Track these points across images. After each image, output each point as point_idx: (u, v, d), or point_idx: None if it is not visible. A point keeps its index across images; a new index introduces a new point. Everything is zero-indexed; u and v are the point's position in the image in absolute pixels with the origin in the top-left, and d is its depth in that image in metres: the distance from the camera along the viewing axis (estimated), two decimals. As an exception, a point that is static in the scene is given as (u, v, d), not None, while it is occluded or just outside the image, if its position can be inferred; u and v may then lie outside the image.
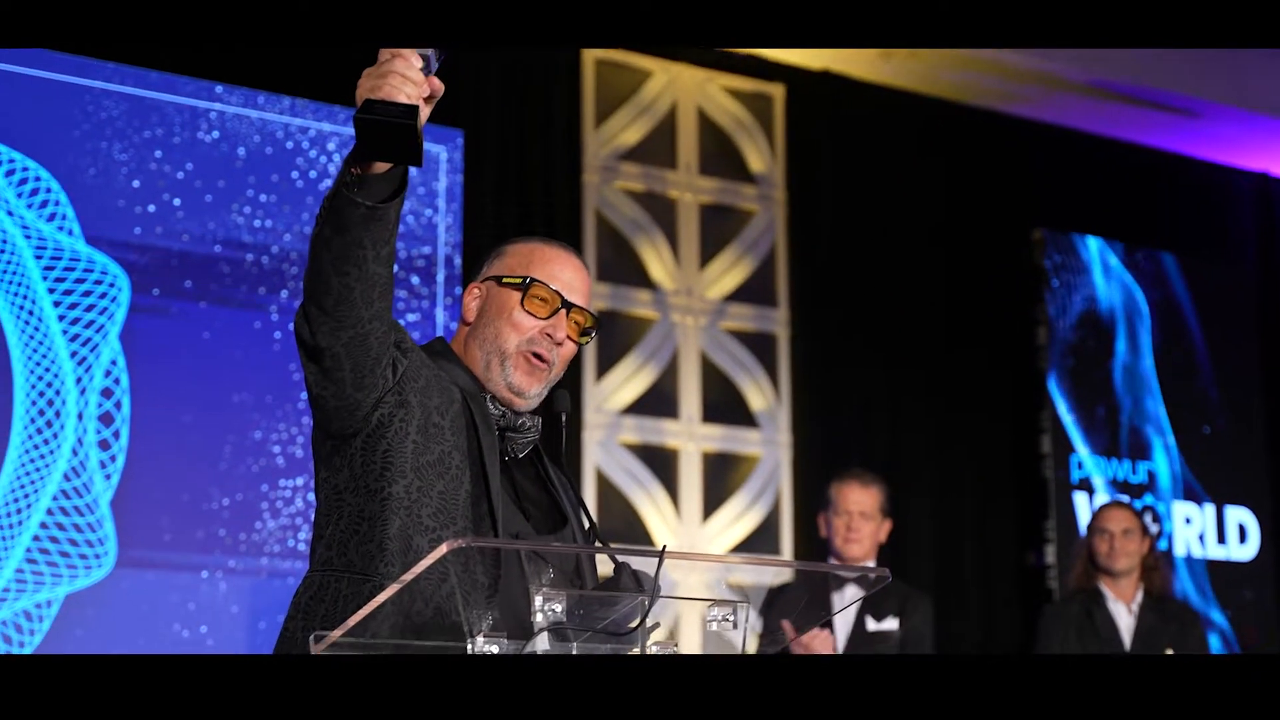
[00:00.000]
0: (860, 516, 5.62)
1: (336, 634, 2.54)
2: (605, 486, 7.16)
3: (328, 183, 6.49)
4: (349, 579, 2.81)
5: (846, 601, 5.34)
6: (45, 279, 6.00)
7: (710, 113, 7.72)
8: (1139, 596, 6.05)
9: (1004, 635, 7.94)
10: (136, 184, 6.16)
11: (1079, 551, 6.26)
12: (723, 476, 7.51)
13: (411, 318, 6.60)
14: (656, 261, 7.48)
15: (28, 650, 5.76)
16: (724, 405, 7.55)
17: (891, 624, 5.59)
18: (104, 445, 5.99)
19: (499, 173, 7.02)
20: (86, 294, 6.05)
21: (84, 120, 6.10)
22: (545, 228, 6.83)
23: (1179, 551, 8.38)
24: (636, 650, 2.53)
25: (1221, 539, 8.56)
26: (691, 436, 7.44)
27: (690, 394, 7.47)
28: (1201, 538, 8.50)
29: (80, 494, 5.89)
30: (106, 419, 6.02)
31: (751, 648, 2.68)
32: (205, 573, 6.08)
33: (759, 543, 7.45)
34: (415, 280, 6.64)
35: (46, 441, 5.90)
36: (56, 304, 6.01)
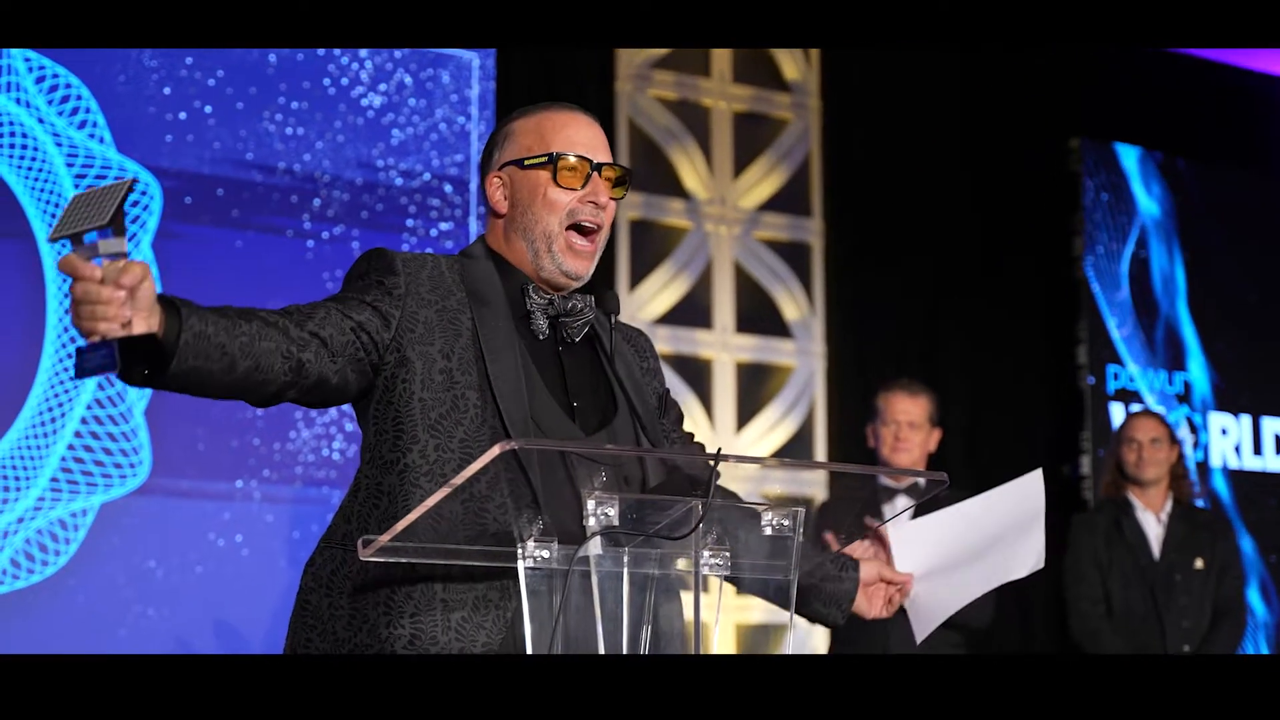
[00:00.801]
0: (909, 426, 5.59)
1: (385, 538, 2.51)
2: (639, 397, 7.11)
3: (359, 89, 6.43)
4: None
5: (897, 511, 5.30)
6: (77, 187, 5.96)
7: (744, 19, 7.63)
8: (1168, 506, 6.03)
9: (1039, 546, 7.90)
10: (167, 90, 6.11)
11: (1107, 461, 6.23)
12: (757, 387, 7.47)
13: (444, 226, 6.55)
14: (690, 170, 7.41)
15: (63, 558, 5.77)
16: (758, 315, 7.50)
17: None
18: (137, 354, 5.97)
19: (531, 80, 6.94)
20: (118, 202, 6.01)
21: (114, 26, 6.04)
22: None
23: (1214, 462, 8.33)
24: (691, 554, 2.50)
25: (1258, 450, 8.50)
26: (725, 347, 7.39)
27: (724, 304, 7.43)
28: (1238, 449, 8.45)
29: (114, 403, 5.88)
30: (140, 328, 5.99)
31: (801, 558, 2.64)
32: (240, 481, 6.07)
33: (793, 454, 7.42)
34: (448, 189, 6.58)
35: (80, 351, 5.88)
36: (88, 212, 5.97)
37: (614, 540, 2.49)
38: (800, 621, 2.88)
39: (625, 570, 2.52)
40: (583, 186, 2.92)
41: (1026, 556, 3.09)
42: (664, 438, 3.01)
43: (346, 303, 2.82)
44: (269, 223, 6.24)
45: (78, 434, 5.82)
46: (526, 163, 2.95)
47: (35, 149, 5.89)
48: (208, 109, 6.18)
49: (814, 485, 7.12)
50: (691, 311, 7.33)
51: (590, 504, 2.45)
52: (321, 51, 6.37)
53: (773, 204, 7.60)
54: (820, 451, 7.44)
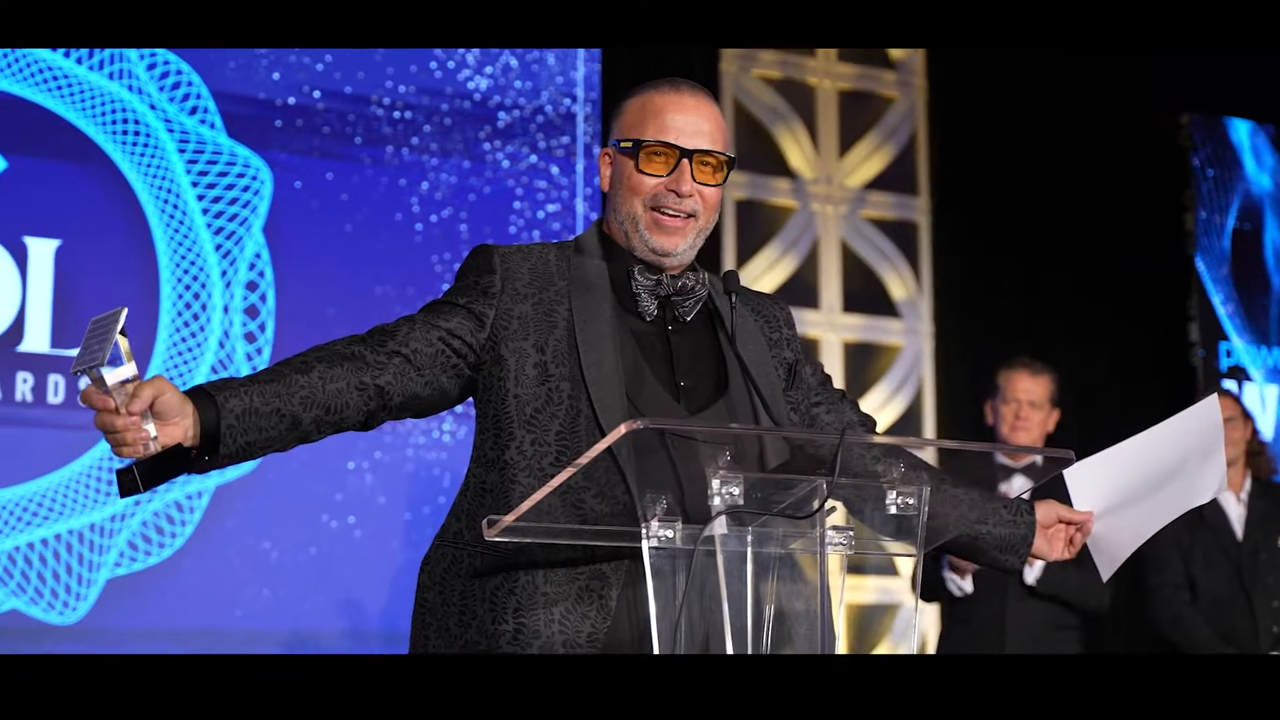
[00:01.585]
0: (1029, 405, 5.55)
1: (510, 518, 2.52)
2: (747, 378, 7.10)
3: (466, 73, 6.46)
4: (481, 555, 2.77)
5: (1015, 492, 5.24)
6: (189, 173, 6.03)
7: (849, -3, 7.59)
8: (1247, 484, 5.93)
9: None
10: (276, 76, 6.16)
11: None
12: (864, 366, 7.44)
13: (551, 208, 6.56)
14: (795, 150, 7.38)
15: (180, 540, 5.84)
16: (865, 295, 7.46)
17: None
18: (250, 338, 6.03)
19: (636, 62, 6.93)
20: (229, 187, 6.07)
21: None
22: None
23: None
24: (815, 532, 2.49)
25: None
26: (832, 326, 7.36)
27: (831, 283, 7.40)
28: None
29: (228, 386, 5.93)
30: (252, 312, 6.05)
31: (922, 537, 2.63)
32: (351, 463, 6.11)
33: (902, 433, 7.37)
34: (555, 170, 6.59)
35: (194, 334, 5.95)
36: (200, 198, 6.04)
37: (739, 520, 2.48)
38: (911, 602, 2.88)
39: (749, 550, 2.51)
40: (669, 174, 2.90)
41: (1209, 481, 3.03)
42: (796, 411, 2.99)
43: (439, 310, 2.90)
44: (376, 207, 6.28)
45: (192, 417, 5.87)
46: (622, 145, 2.95)
47: (148, 135, 5.96)
48: (316, 94, 6.22)
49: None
50: (798, 291, 7.30)
51: (715, 483, 2.44)
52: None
53: (879, 183, 7.56)
54: (929, 430, 7.39)
